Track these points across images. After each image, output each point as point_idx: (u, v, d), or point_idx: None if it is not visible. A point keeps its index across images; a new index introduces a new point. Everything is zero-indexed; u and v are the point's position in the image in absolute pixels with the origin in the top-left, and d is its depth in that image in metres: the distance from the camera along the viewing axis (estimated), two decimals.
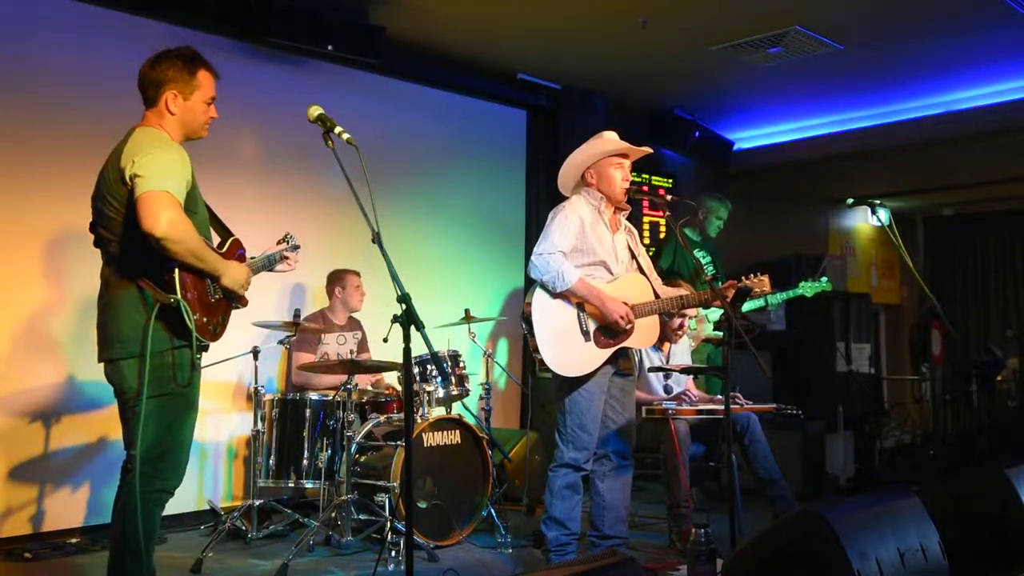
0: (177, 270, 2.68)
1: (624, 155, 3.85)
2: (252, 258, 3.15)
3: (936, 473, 6.20)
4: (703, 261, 5.67)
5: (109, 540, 2.82)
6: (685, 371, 4.58)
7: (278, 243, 3.37)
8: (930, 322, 7.91)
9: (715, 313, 5.20)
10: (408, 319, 2.52)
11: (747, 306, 5.28)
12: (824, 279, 5.37)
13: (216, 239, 3.05)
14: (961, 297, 9.74)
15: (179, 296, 2.67)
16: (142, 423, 2.70)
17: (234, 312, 3.08)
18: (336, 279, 5.19)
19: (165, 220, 2.58)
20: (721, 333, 5.11)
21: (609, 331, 3.68)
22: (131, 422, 2.75)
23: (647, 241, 7.14)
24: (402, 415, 4.56)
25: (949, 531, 2.83)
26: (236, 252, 3.05)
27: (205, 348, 2.91)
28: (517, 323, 6.24)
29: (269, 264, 3.25)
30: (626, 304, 3.67)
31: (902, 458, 7.13)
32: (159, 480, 2.75)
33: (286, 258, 3.32)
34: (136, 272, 2.72)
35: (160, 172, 2.65)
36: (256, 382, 4.52)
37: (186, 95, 2.87)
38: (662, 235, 7.45)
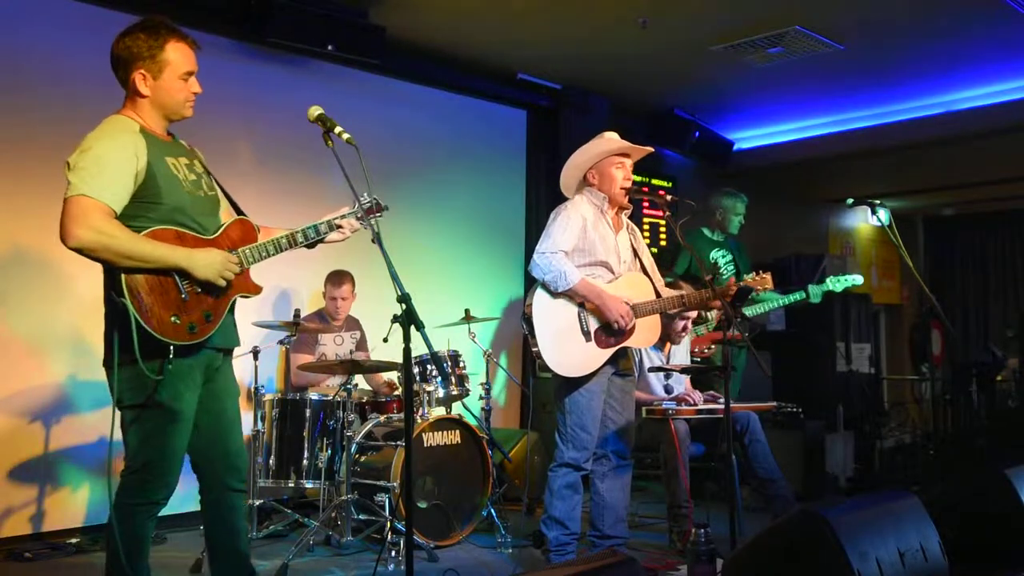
0: (123, 273, 2.48)
1: (626, 155, 3.85)
2: (305, 228, 2.85)
3: (936, 473, 6.19)
4: (723, 260, 5.58)
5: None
6: (685, 371, 4.58)
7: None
8: (930, 322, 7.92)
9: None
10: (408, 319, 2.50)
11: (777, 302, 5.30)
12: (858, 276, 5.32)
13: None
14: (961, 297, 9.74)
15: (127, 299, 2.47)
16: (126, 432, 2.62)
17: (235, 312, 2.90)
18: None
19: (78, 230, 2.42)
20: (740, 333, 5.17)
21: (610, 331, 3.68)
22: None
23: (647, 241, 7.14)
24: (402, 415, 4.56)
25: (949, 531, 2.84)
26: (239, 234, 2.77)
27: (227, 351, 2.79)
28: (517, 323, 6.24)
29: (316, 235, 2.86)
30: (627, 303, 3.68)
31: (902, 458, 7.13)
32: (144, 491, 2.63)
33: (339, 226, 2.91)
34: (105, 275, 2.58)
35: (86, 172, 2.47)
36: (256, 382, 4.52)
37: (155, 73, 2.63)
38: (662, 238, 7.46)
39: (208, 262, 2.59)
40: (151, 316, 2.51)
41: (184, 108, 2.73)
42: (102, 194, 2.47)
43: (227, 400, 2.84)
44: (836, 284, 5.24)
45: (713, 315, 5.03)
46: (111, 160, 2.52)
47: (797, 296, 5.29)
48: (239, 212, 2.89)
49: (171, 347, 2.54)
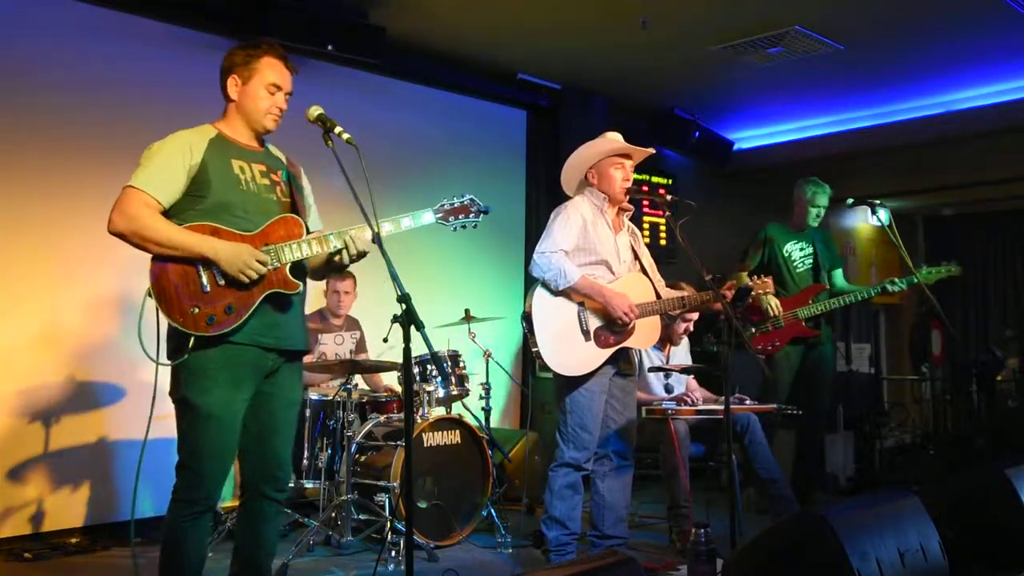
0: (151, 260, 2.61)
1: (626, 155, 3.85)
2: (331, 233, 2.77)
3: (936, 473, 6.19)
4: (802, 253, 5.23)
5: None
6: (685, 371, 4.58)
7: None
8: (930, 322, 7.91)
9: (804, 311, 4.97)
10: (408, 319, 2.51)
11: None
12: (953, 263, 4.90)
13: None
14: (961, 297, 9.73)
15: (150, 287, 2.59)
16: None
17: None
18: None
19: (114, 215, 2.59)
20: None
21: (610, 330, 3.68)
22: None
23: (647, 241, 7.14)
24: (402, 415, 4.56)
25: (949, 531, 2.84)
26: (282, 233, 2.75)
27: (282, 352, 2.75)
28: (517, 323, 6.23)
29: (332, 248, 2.77)
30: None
31: (902, 458, 7.13)
32: (181, 488, 2.66)
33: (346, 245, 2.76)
34: None
35: (139, 167, 2.65)
36: None
37: (245, 79, 2.77)
38: (662, 238, 7.44)
39: (233, 255, 2.61)
40: (174, 308, 2.58)
41: (266, 119, 2.82)
42: (146, 185, 2.62)
43: (278, 405, 2.80)
44: (928, 276, 4.86)
45: (774, 307, 4.93)
46: (161, 155, 2.66)
47: (875, 291, 4.94)
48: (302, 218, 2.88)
49: (191, 339, 2.58)
